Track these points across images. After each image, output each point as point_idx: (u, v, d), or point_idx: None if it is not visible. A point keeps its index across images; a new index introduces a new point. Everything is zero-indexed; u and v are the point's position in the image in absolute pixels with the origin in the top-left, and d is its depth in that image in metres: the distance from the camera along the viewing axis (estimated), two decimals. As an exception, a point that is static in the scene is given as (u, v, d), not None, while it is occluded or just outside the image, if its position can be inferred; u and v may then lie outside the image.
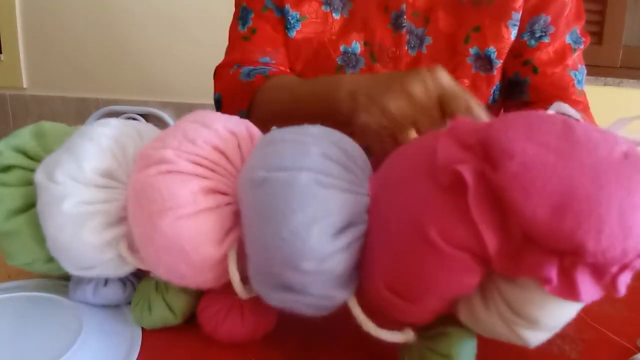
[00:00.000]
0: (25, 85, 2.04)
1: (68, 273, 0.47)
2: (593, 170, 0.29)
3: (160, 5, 1.88)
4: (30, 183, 0.46)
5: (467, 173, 0.30)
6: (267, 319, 0.44)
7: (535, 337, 0.34)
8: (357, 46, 0.71)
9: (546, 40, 0.69)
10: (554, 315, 0.32)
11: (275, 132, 0.39)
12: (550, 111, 0.35)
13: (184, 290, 0.46)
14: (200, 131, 0.41)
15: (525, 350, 0.42)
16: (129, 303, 0.48)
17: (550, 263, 0.29)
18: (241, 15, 0.76)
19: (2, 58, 2.01)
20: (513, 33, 0.68)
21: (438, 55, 0.70)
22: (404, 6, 0.68)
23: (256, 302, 0.43)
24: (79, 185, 0.43)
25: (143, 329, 0.46)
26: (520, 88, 0.72)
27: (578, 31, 0.70)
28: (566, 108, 0.38)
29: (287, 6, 0.71)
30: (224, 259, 0.40)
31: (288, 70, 0.73)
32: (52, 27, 1.97)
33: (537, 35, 0.68)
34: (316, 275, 0.34)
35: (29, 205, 0.46)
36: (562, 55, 0.70)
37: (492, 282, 0.34)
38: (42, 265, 0.48)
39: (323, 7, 0.71)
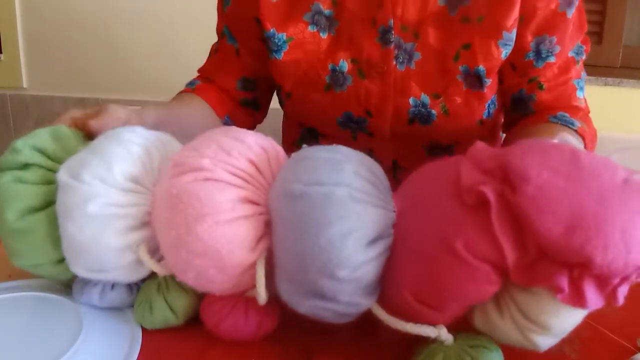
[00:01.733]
0: (25, 85, 2.04)
1: (71, 278, 0.49)
2: (598, 193, 0.34)
3: (160, 6, 1.88)
4: (49, 182, 0.46)
5: (490, 193, 0.35)
6: (270, 319, 0.45)
7: (545, 342, 0.39)
8: (344, 64, 0.73)
9: (552, 60, 0.72)
10: (563, 321, 0.37)
11: (308, 150, 0.43)
12: (555, 140, 0.41)
13: (186, 290, 0.46)
14: (234, 144, 0.44)
15: (525, 349, 0.42)
16: (132, 305, 0.48)
17: (562, 274, 0.34)
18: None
19: (2, 58, 2.01)
20: (504, 53, 0.70)
21: (427, 72, 0.71)
22: (391, 21, 0.69)
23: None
24: (107, 187, 0.44)
25: (143, 329, 0.46)
26: (525, 104, 0.76)
27: (580, 42, 0.71)
28: (569, 138, 0.43)
29: (273, 30, 0.72)
30: (252, 266, 0.42)
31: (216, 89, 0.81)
32: (52, 27, 1.97)
33: (544, 55, 0.72)
34: (348, 283, 0.38)
35: (46, 204, 0.46)
36: (566, 69, 0.74)
37: (507, 291, 0.39)
38: (49, 268, 0.48)
39: (309, 28, 0.72)
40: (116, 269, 0.46)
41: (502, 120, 0.83)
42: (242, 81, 0.80)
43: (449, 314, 0.39)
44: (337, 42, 0.72)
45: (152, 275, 0.49)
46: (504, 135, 0.83)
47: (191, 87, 0.80)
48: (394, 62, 0.70)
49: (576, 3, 0.69)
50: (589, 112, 0.77)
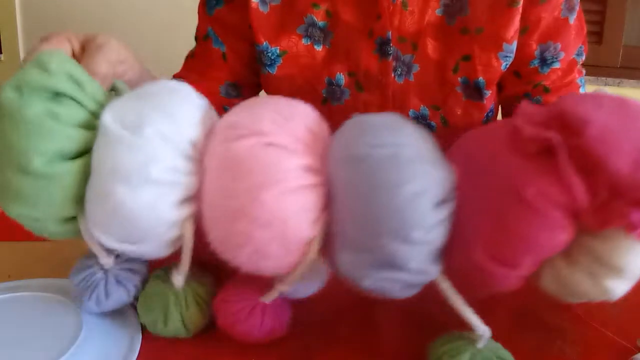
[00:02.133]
0: (25, 85, 2.04)
1: (71, 236, 0.43)
2: None
3: (160, 6, 1.89)
4: (87, 126, 0.39)
5: (556, 138, 0.36)
6: (282, 325, 0.45)
7: (618, 287, 0.39)
8: (341, 78, 0.72)
9: (557, 65, 0.73)
10: (636, 261, 0.38)
11: (361, 117, 0.42)
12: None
13: (202, 308, 0.47)
14: (291, 109, 0.41)
15: (526, 349, 0.42)
16: (130, 305, 0.48)
17: (635, 211, 0.35)
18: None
19: (2, 58, 2.01)
20: (504, 65, 0.71)
21: (426, 84, 0.71)
22: (389, 33, 0.68)
23: (275, 307, 0.43)
24: (170, 148, 0.38)
25: (143, 329, 0.46)
26: None
27: (580, 43, 0.72)
28: (607, 91, 0.44)
29: (266, 43, 0.72)
30: (310, 242, 0.40)
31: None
32: (52, 27, 1.97)
33: (549, 62, 0.72)
34: (421, 246, 0.38)
35: (80, 153, 0.39)
36: (569, 70, 0.74)
37: (576, 241, 0.39)
38: (50, 225, 0.42)
39: (303, 40, 0.71)
40: (154, 242, 0.41)
41: None
42: (226, 87, 0.77)
43: (521, 271, 0.39)
44: (333, 55, 0.71)
45: (156, 269, 0.47)
46: None
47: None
48: (393, 75, 0.70)
49: (577, 8, 0.71)
50: None
